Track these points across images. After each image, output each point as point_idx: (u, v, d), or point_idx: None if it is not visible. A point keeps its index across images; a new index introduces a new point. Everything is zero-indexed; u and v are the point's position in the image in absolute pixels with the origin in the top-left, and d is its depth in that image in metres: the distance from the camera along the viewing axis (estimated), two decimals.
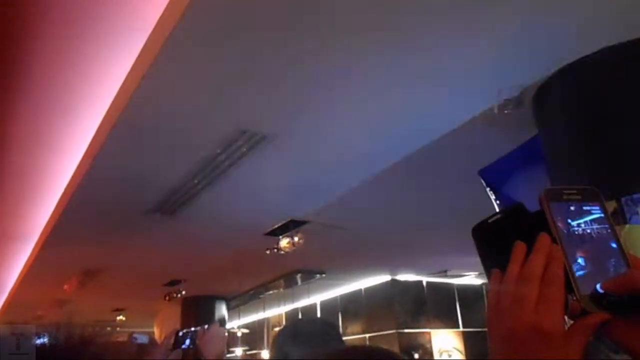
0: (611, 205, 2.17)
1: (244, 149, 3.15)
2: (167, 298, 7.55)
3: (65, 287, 7.10)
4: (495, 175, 3.19)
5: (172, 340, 2.23)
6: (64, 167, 3.57)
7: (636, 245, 2.07)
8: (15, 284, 6.66)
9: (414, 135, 3.17)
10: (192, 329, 2.30)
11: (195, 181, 3.62)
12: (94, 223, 4.52)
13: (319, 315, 9.04)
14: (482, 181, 3.31)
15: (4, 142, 3.12)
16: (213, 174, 3.50)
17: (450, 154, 3.47)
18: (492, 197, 3.27)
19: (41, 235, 4.83)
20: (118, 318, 9.93)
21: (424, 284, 8.09)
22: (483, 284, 8.52)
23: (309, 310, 9.20)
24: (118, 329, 10.05)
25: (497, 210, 3.39)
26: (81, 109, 2.90)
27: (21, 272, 6.15)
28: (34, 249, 5.28)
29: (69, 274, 6.50)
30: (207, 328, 2.19)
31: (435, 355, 7.70)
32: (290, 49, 2.30)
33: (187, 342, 2.21)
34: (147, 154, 3.28)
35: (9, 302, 7.61)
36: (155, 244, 5.30)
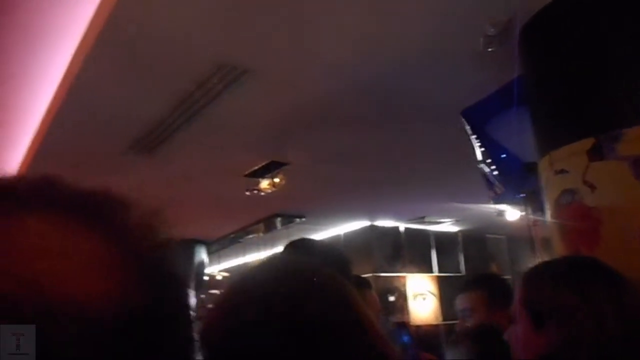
0: (589, 143, 2.17)
1: (220, 86, 3.06)
2: None
3: None
4: (478, 116, 3.16)
5: None
6: (36, 107, 3.42)
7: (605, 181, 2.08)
8: None
9: (389, 68, 3.09)
10: None
11: (171, 120, 3.53)
12: (69, 165, 4.39)
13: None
14: (464, 122, 3.29)
15: None
16: (190, 112, 3.41)
17: (430, 92, 3.40)
18: (474, 138, 3.26)
19: None
20: None
21: (402, 230, 8.22)
22: (459, 231, 8.71)
23: None
24: None
25: (477, 152, 3.39)
26: (52, 43, 2.75)
27: None
28: None
29: None
30: None
31: (410, 298, 7.94)
32: None
33: None
34: (120, 89, 3.16)
35: None
36: (133, 184, 5.22)
